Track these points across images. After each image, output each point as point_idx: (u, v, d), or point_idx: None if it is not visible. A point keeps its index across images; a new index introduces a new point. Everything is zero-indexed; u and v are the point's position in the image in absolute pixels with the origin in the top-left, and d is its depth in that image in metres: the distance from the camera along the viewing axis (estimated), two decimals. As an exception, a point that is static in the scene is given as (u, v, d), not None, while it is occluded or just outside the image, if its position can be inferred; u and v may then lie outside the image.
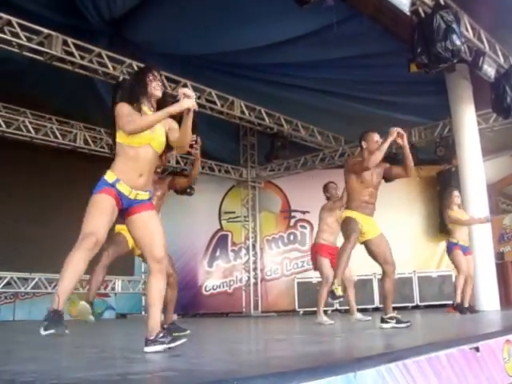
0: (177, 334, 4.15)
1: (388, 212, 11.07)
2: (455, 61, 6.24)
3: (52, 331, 2.31)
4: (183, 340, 2.59)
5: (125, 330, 6.61)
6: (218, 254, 12.19)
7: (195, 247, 11.97)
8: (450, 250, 6.65)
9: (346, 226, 4.31)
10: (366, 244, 4.33)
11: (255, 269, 11.98)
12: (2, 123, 8.69)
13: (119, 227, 4.19)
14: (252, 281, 11.88)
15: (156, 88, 2.81)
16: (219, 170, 11.79)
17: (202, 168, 11.44)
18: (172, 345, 2.55)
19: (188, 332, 4.29)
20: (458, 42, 5.92)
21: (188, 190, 10.88)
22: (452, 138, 8.78)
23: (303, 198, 11.24)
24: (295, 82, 9.05)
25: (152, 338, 2.56)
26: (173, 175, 4.68)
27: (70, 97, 8.75)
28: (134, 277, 11.08)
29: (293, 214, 12.08)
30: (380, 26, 7.04)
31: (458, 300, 6.49)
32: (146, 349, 2.55)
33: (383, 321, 4.25)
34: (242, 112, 9.77)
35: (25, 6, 6.90)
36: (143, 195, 2.73)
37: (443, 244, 10.06)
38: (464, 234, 6.64)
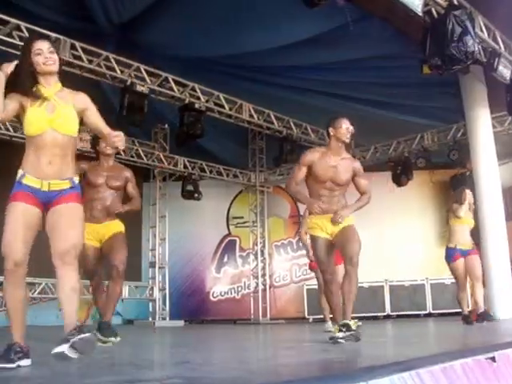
0: (105, 336, 3.75)
1: (400, 217, 10.99)
2: (469, 62, 6.13)
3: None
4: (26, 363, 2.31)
5: (132, 336, 6.56)
6: (225, 259, 12.10)
7: (203, 252, 11.89)
8: (449, 257, 6.13)
9: (316, 253, 3.68)
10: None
11: (264, 275, 11.87)
12: (10, 128, 8.73)
13: None
14: (260, 287, 11.76)
15: (45, 63, 2.42)
16: (227, 175, 11.72)
17: (210, 172, 11.40)
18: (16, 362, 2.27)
19: (118, 339, 3.82)
20: (472, 43, 5.82)
21: (195, 195, 10.82)
22: (466, 142, 8.64)
23: (313, 203, 11.08)
24: (304, 84, 9.00)
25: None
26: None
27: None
28: (141, 282, 11.03)
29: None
30: (391, 27, 6.95)
31: (466, 310, 6.08)
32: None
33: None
34: (251, 115, 9.71)
35: (33, 10, 6.93)
36: (59, 184, 2.42)
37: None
38: (465, 237, 6.16)
